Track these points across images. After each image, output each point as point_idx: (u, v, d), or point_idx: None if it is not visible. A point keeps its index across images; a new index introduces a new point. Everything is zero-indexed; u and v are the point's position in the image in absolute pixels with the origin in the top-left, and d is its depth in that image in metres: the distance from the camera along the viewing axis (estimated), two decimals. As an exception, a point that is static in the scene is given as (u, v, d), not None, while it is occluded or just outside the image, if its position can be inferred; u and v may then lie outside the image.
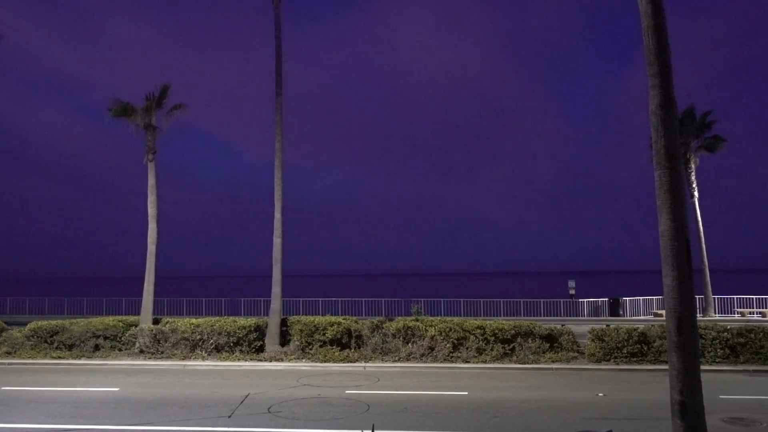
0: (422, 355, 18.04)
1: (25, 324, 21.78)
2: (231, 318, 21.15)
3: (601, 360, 17.44)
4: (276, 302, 20.31)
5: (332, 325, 19.18)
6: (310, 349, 18.83)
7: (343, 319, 20.32)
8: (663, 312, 14.15)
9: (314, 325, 19.32)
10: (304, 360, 18.38)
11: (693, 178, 32.94)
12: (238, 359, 18.55)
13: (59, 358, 19.04)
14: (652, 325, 18.28)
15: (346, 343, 19.06)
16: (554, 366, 17.15)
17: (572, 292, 32.82)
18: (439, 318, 20.24)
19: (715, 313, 31.59)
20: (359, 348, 18.81)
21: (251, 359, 18.54)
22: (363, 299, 33.46)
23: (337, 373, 16.61)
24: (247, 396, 13.34)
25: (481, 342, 18.17)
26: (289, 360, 18.39)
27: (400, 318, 20.22)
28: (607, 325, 19.67)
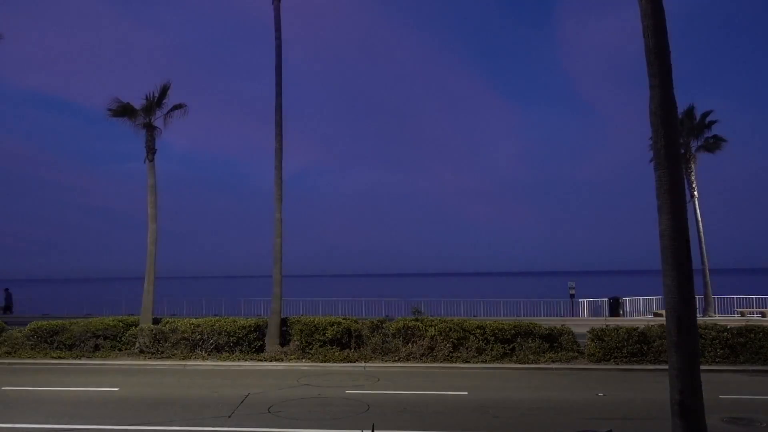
0: (422, 355, 18.04)
1: (25, 324, 21.77)
2: (231, 318, 21.12)
3: (601, 360, 17.43)
4: (276, 302, 20.31)
5: (332, 325, 19.17)
6: (310, 349, 18.82)
7: (343, 319, 20.31)
8: (663, 312, 14.14)
9: (314, 325, 19.31)
10: (304, 360, 18.37)
11: (693, 178, 32.96)
12: (238, 359, 18.54)
13: (59, 358, 19.03)
14: (652, 325, 18.27)
15: (346, 343, 19.05)
16: (554, 366, 17.14)
17: (572, 292, 32.78)
18: (439, 318, 20.23)
19: (715, 313, 31.59)
20: (359, 348, 18.80)
21: (251, 359, 18.53)
22: (363, 299, 33.49)
23: (337, 373, 16.61)
24: (247, 396, 13.34)
25: (481, 342, 18.16)
26: (289, 360, 18.39)
27: (400, 318, 20.21)
28: (607, 325, 19.66)
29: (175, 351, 18.99)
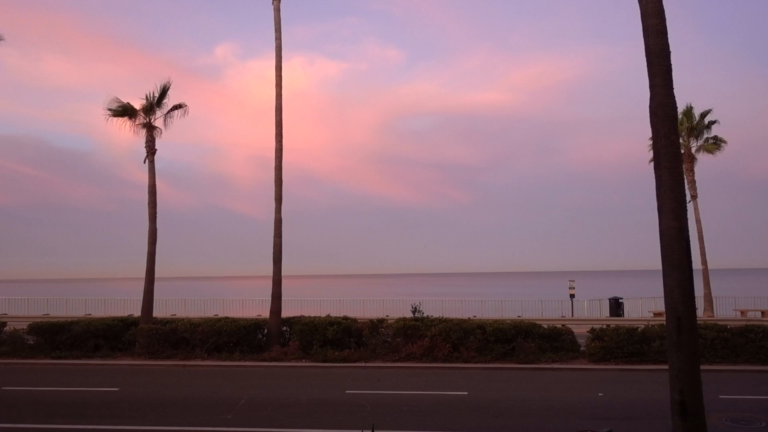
0: (422, 355, 18.03)
1: (25, 323, 21.78)
2: (231, 318, 21.13)
3: (601, 360, 17.42)
4: (276, 302, 20.31)
5: (332, 325, 19.17)
6: (310, 349, 18.82)
7: (343, 319, 20.32)
8: (663, 312, 14.14)
9: (314, 325, 19.31)
10: (304, 360, 18.37)
11: (693, 178, 32.95)
12: (238, 359, 18.54)
13: (59, 358, 19.03)
14: (652, 325, 18.27)
15: (346, 343, 19.05)
16: (554, 366, 17.14)
17: (572, 292, 32.77)
18: (439, 318, 20.22)
19: (715, 313, 31.59)
20: (359, 348, 18.79)
21: (251, 359, 18.53)
22: (363, 299, 33.46)
23: (337, 373, 16.61)
24: (247, 396, 13.34)
25: (481, 342, 18.15)
26: (289, 360, 18.39)
27: (400, 318, 20.21)
28: (607, 325, 19.67)
29: (175, 351, 18.99)
